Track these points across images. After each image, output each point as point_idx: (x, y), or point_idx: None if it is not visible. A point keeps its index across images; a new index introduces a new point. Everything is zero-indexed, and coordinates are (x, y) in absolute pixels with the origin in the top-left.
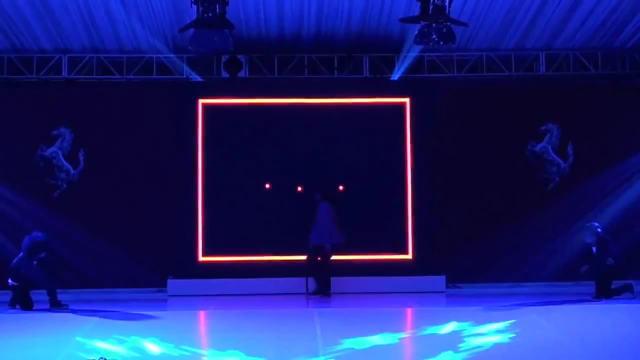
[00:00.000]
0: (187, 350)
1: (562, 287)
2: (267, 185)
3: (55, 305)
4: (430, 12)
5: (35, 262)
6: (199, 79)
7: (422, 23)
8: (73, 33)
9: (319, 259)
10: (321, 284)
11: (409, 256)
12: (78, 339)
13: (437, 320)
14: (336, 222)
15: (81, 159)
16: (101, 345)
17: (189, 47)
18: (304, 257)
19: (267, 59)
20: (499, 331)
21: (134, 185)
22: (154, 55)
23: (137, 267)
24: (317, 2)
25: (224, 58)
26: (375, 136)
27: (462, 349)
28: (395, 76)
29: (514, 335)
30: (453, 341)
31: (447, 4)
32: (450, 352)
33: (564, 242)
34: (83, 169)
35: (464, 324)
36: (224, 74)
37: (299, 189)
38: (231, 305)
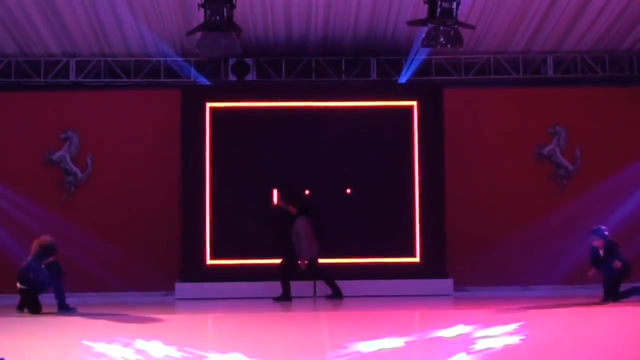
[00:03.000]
0: (193, 354)
1: (570, 290)
2: (275, 192)
3: (64, 309)
4: (437, 14)
5: (43, 266)
6: (207, 82)
7: (430, 26)
8: (81, 37)
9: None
10: (333, 288)
11: (417, 259)
12: (85, 342)
13: (445, 323)
14: (312, 236)
15: (89, 162)
16: (108, 348)
17: (197, 51)
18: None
19: (275, 62)
20: (507, 334)
21: (141, 188)
22: (162, 59)
23: (144, 271)
24: (325, 5)
25: (231, 61)
26: (382, 139)
27: (470, 353)
28: (403, 79)
29: (522, 338)
30: (461, 344)
31: (454, 6)
32: (458, 356)
33: (571, 245)
34: (91, 172)
35: (472, 327)
36: (232, 78)
37: (307, 192)
38: (239, 308)
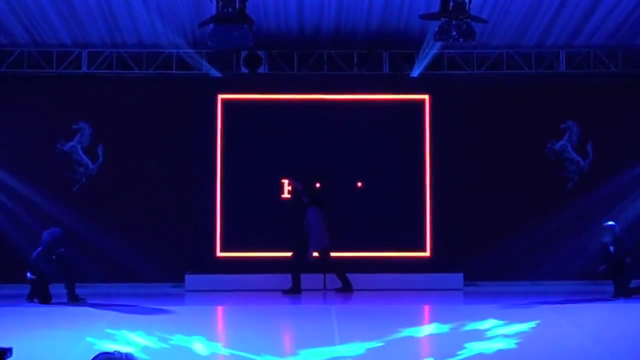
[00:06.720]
0: (203, 346)
1: (580, 286)
2: (287, 183)
3: (73, 299)
4: (450, 8)
5: (53, 257)
6: (218, 74)
7: (442, 19)
8: (93, 27)
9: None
10: (343, 281)
11: (427, 253)
12: (95, 332)
13: (455, 318)
14: (324, 227)
15: (100, 153)
16: (117, 338)
17: (208, 43)
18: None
19: (287, 54)
20: (516, 330)
21: (152, 180)
22: (174, 51)
23: (154, 262)
24: None
25: (243, 54)
26: (394, 133)
27: (478, 348)
28: (415, 73)
29: (531, 333)
30: (469, 339)
31: (467, 0)
32: (466, 350)
33: (582, 241)
34: (102, 163)
35: (481, 322)
36: (244, 70)
37: (317, 185)
38: (249, 301)
